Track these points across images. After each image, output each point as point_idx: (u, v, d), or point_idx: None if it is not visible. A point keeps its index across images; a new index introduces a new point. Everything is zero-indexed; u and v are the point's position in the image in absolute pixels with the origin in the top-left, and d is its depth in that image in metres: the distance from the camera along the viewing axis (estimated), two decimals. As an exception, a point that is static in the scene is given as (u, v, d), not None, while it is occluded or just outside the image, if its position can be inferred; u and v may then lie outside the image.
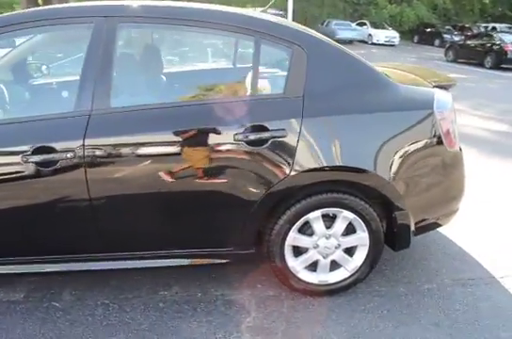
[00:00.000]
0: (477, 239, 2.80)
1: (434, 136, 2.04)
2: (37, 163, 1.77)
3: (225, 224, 1.98)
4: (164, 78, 2.27)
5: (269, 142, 1.85)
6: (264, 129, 1.84)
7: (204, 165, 1.86)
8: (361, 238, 2.08)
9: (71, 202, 1.87)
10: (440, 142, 2.06)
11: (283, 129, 1.85)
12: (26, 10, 1.99)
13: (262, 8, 12.83)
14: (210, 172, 1.87)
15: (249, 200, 1.91)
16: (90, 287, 2.25)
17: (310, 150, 1.89)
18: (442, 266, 2.50)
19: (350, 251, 2.14)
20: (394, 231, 2.12)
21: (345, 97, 1.96)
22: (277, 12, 12.71)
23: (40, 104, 2.18)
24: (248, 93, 1.94)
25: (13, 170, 1.80)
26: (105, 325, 2.01)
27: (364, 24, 22.33)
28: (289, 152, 1.87)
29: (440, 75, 2.57)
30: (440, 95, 2.11)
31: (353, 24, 21.88)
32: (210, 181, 1.89)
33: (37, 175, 1.80)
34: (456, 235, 2.82)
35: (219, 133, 1.84)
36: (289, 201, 1.97)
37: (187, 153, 1.84)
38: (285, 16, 14.13)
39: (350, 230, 2.09)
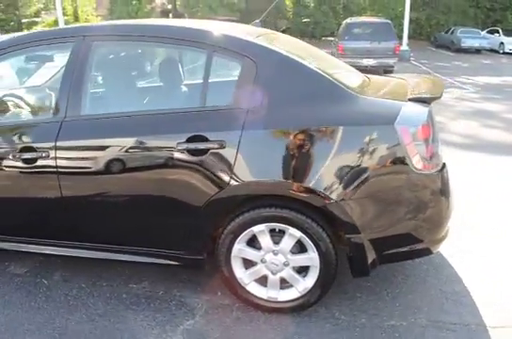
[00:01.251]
0: (495, 279, 2.43)
1: (395, 154, 1.86)
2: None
3: (174, 228, 2.07)
4: (125, 90, 2.44)
5: (209, 152, 1.89)
6: (204, 139, 1.90)
7: (150, 169, 1.98)
8: (311, 259, 1.99)
9: (47, 194, 2.15)
10: (403, 162, 1.86)
11: (223, 140, 1.88)
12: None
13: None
14: (156, 177, 1.99)
15: (193, 207, 1.98)
16: (78, 272, 2.52)
17: (248, 162, 1.89)
18: (428, 303, 2.23)
19: (306, 271, 2.05)
20: (350, 255, 1.98)
21: (293, 110, 1.91)
22: (378, 21, 12.26)
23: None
24: (197, 104, 2.01)
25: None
26: (71, 305, 2.26)
27: (496, 31, 20.18)
28: (228, 163, 1.90)
29: (434, 87, 2.32)
30: (408, 110, 1.91)
31: (482, 32, 19.93)
32: (156, 185, 2.00)
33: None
34: (469, 271, 2.48)
35: (165, 141, 1.95)
36: (233, 212, 1.99)
37: (137, 158, 2.00)
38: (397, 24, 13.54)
39: (304, 249, 2.01)
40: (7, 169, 2.18)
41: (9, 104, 2.49)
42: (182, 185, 1.95)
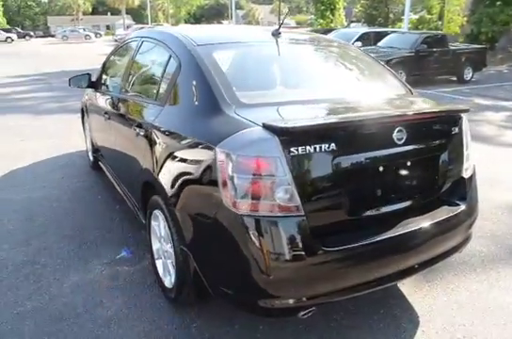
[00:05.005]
0: None
1: (211, 179, 1.72)
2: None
3: (135, 187, 2.63)
4: (130, 78, 2.99)
5: (143, 137, 2.38)
6: (141, 126, 2.41)
7: (130, 133, 2.62)
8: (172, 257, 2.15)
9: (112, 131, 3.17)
10: (215, 190, 1.69)
11: (147, 130, 2.31)
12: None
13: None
14: (131, 140, 2.60)
15: (137, 175, 2.51)
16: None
17: (150, 152, 2.26)
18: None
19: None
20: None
21: (178, 114, 2.10)
22: None
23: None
24: (153, 97, 2.46)
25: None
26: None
27: None
28: (147, 148, 2.31)
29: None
30: (247, 135, 1.67)
31: None
32: (130, 146, 2.69)
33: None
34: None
35: (136, 121, 2.55)
36: (149, 192, 2.36)
37: (125, 127, 2.74)
38: None
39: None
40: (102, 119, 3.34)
41: (109, 81, 3.61)
42: (136, 155, 2.53)
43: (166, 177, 2.03)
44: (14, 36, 43.73)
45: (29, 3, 63.95)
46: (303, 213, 1.64)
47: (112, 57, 3.62)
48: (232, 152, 1.64)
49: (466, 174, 2.18)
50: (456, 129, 2.10)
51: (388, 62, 10.41)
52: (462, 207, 2.10)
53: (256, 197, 1.62)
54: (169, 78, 2.28)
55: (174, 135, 2.06)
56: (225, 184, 1.66)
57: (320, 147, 1.65)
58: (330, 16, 24.06)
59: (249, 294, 1.77)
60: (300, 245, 1.65)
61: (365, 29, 14.96)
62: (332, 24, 23.22)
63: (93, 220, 3.31)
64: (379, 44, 11.88)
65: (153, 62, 2.71)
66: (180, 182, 1.93)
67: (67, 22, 55.97)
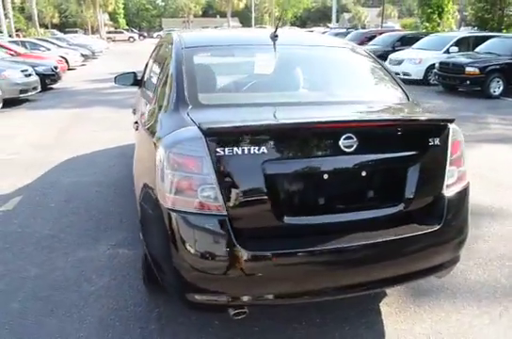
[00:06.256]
0: None
1: (153, 175, 1.83)
2: None
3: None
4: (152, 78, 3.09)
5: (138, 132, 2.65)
6: (136, 122, 2.64)
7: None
8: None
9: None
10: (154, 185, 1.83)
11: (138, 126, 2.59)
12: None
13: None
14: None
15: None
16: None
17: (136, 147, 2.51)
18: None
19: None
20: None
21: (154, 112, 2.26)
22: None
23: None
24: (150, 95, 2.67)
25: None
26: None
27: None
28: (137, 143, 2.56)
29: None
30: (182, 133, 1.75)
31: None
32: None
33: None
34: None
35: None
36: None
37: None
38: None
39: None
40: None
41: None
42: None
43: (135, 171, 2.25)
44: (136, 36, 49.06)
45: (147, 6, 70.26)
46: (225, 213, 1.67)
47: (150, 57, 3.92)
48: (165, 149, 1.75)
49: (448, 192, 1.99)
50: (437, 141, 1.92)
51: (482, 70, 9.60)
52: (436, 227, 1.93)
53: (181, 193, 1.69)
54: (162, 79, 2.44)
55: (147, 132, 2.23)
56: (162, 176, 1.75)
57: (249, 149, 1.65)
58: (437, 19, 22.57)
59: (177, 287, 1.85)
60: (220, 245, 1.68)
61: (464, 33, 13.85)
62: (439, 28, 21.77)
63: (120, 206, 3.63)
64: (477, 50, 10.98)
65: (161, 63, 2.88)
66: (137, 176, 2.13)
67: (179, 23, 60.13)
